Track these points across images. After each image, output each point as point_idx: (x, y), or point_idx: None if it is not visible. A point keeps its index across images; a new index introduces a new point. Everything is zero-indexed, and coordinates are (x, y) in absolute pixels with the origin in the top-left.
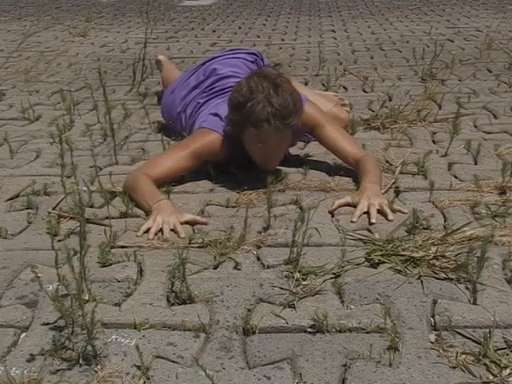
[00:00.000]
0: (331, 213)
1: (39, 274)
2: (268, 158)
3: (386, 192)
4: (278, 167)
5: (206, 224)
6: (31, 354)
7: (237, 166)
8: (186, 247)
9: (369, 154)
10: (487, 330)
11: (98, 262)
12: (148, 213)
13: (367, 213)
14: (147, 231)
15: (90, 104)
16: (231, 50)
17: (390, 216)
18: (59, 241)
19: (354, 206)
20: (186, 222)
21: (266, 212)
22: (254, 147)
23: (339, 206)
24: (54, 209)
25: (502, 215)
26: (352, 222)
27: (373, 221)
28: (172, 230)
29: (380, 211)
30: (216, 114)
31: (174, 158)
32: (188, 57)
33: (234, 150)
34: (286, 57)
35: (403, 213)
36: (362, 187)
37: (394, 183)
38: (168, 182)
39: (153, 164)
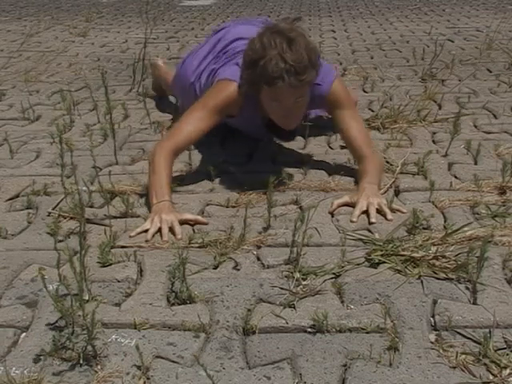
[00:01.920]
0: (331, 213)
1: (46, 276)
2: (287, 116)
3: (385, 192)
4: (278, 168)
5: (206, 224)
6: (31, 354)
7: (249, 129)
8: (186, 247)
9: (375, 155)
10: (487, 330)
11: (98, 262)
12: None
13: (366, 212)
14: (143, 232)
15: (89, 104)
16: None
17: (389, 215)
18: (60, 241)
19: (353, 205)
20: (186, 221)
21: (266, 212)
22: (271, 106)
23: (338, 206)
24: (53, 209)
25: (502, 215)
26: (352, 221)
27: (372, 220)
28: (170, 228)
29: (379, 211)
30: (236, 64)
31: (194, 122)
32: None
33: (252, 105)
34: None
35: (402, 212)
36: (360, 187)
37: (393, 182)
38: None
39: (176, 133)
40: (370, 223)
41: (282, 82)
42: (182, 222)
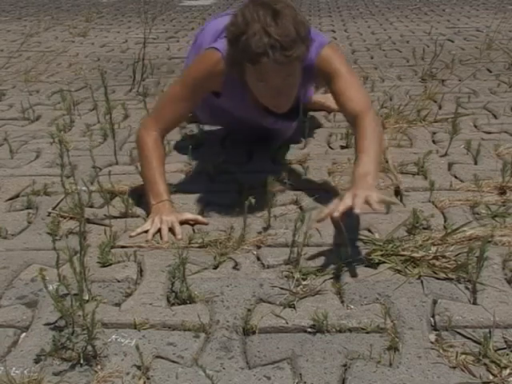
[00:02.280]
0: (319, 222)
1: (46, 278)
2: (275, 97)
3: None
4: (278, 168)
5: (206, 224)
6: (31, 354)
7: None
8: (186, 247)
9: (369, 113)
10: (487, 330)
11: (98, 262)
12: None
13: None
14: (144, 232)
15: (90, 104)
16: None
17: (375, 206)
18: (59, 239)
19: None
20: (186, 221)
21: (266, 212)
22: (257, 87)
23: (329, 214)
24: (53, 209)
25: (502, 215)
26: (333, 217)
27: (356, 211)
28: (170, 229)
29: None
30: (222, 33)
31: (178, 102)
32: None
33: (233, 79)
34: None
35: (395, 204)
36: (352, 183)
37: (395, 188)
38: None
39: (161, 113)
40: (355, 214)
41: (267, 58)
42: (182, 222)
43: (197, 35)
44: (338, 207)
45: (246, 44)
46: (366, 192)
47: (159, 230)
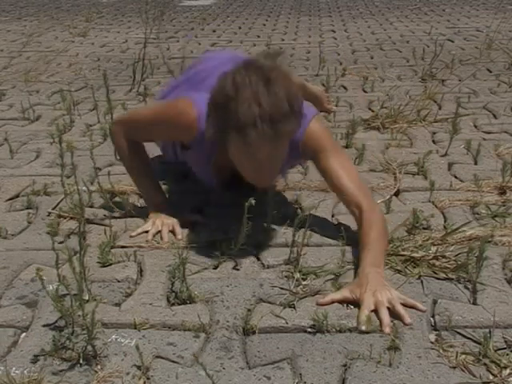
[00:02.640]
0: (322, 305)
1: (44, 277)
2: (258, 172)
3: (389, 198)
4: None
5: (205, 223)
6: (31, 354)
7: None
8: (186, 247)
9: (376, 209)
10: (487, 330)
11: (98, 262)
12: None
13: (375, 311)
14: (144, 232)
15: (90, 104)
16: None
17: (407, 319)
18: (60, 242)
19: (353, 302)
20: (186, 222)
21: (266, 212)
22: (241, 158)
23: (333, 302)
24: (53, 209)
25: (502, 215)
26: (361, 330)
27: (386, 330)
28: (170, 231)
29: (391, 311)
30: (206, 92)
31: (143, 123)
32: (188, 57)
33: (200, 143)
34: (286, 57)
35: (419, 309)
36: (361, 273)
37: (396, 190)
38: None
39: (131, 124)
40: (383, 332)
41: (254, 130)
42: (182, 224)
43: (195, 66)
44: (361, 317)
45: (234, 111)
46: (386, 294)
47: (159, 232)
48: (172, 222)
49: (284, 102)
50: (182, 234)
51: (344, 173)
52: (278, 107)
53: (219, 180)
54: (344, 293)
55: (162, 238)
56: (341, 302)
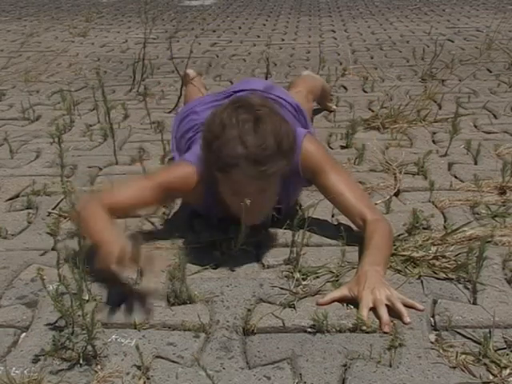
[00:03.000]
0: (322, 305)
1: (44, 277)
2: (247, 211)
3: (389, 198)
4: None
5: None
6: (31, 354)
7: (218, 218)
8: (186, 247)
9: (381, 219)
10: (487, 330)
11: None
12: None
13: (373, 309)
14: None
15: (90, 104)
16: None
17: (406, 317)
18: (59, 241)
19: (352, 300)
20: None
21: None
22: (228, 197)
23: (332, 301)
24: (53, 209)
25: (502, 215)
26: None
27: (386, 329)
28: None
29: (390, 308)
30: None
31: (137, 188)
32: (188, 57)
33: (212, 195)
34: (286, 57)
35: (417, 309)
36: (360, 272)
37: (396, 190)
38: (130, 216)
39: (114, 193)
40: (384, 332)
41: (237, 170)
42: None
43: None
44: (361, 313)
45: (218, 151)
46: (384, 291)
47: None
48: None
49: (271, 142)
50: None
51: (345, 188)
52: (264, 149)
53: (220, 211)
54: (343, 291)
55: (130, 259)
56: (339, 300)
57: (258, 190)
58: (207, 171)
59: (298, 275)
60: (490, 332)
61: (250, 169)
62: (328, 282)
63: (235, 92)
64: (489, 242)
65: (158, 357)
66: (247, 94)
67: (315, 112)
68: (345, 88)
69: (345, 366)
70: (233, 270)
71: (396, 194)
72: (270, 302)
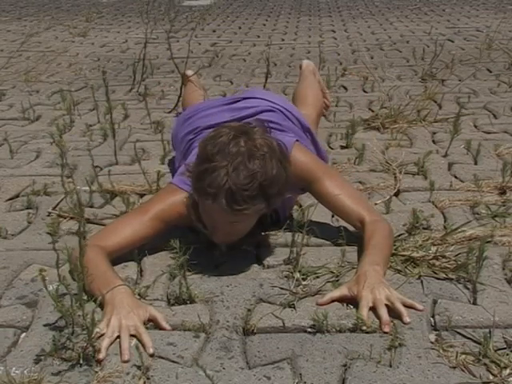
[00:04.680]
0: (321, 305)
1: (46, 277)
2: (218, 234)
3: (389, 198)
4: None
5: (168, 329)
6: (31, 354)
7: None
8: (186, 247)
9: (380, 219)
10: (487, 330)
11: None
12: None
13: (373, 309)
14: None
15: (90, 104)
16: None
17: (406, 317)
18: (56, 241)
19: (352, 299)
20: (150, 320)
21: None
22: (203, 214)
23: (332, 301)
24: (54, 209)
25: (502, 215)
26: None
27: (386, 329)
28: (133, 335)
29: (390, 308)
30: (186, 166)
31: (133, 225)
32: (188, 57)
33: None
34: (286, 57)
35: (416, 309)
36: (360, 271)
37: (396, 190)
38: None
39: (108, 232)
40: (384, 332)
41: (211, 201)
42: (147, 322)
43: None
44: (361, 312)
45: (203, 174)
46: (384, 291)
47: (118, 338)
48: (133, 323)
49: (254, 185)
50: (152, 345)
51: (340, 192)
52: (245, 190)
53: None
54: (342, 290)
55: (121, 356)
56: (339, 299)
57: (228, 222)
58: (191, 187)
59: (297, 275)
60: (489, 332)
61: (223, 203)
62: (328, 282)
63: (245, 98)
64: (489, 242)
65: (158, 357)
66: (257, 123)
67: None
68: (345, 88)
69: (345, 366)
70: (233, 270)
71: (396, 194)
72: (270, 302)
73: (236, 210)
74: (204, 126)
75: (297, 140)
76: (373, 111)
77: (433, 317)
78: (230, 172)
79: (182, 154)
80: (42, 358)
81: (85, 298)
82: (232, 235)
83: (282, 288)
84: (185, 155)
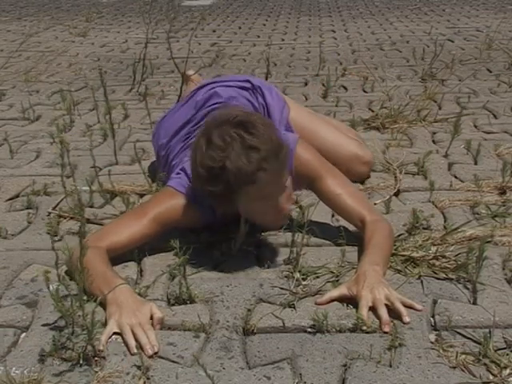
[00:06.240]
0: (320, 304)
1: (48, 275)
2: (279, 211)
3: (389, 198)
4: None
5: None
6: (31, 354)
7: (220, 227)
8: (186, 247)
9: (380, 219)
10: (487, 330)
11: None
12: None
13: (373, 309)
14: (116, 334)
15: (90, 104)
16: (222, 79)
17: (406, 317)
18: (59, 240)
19: (351, 299)
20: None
21: None
22: (255, 208)
23: (331, 300)
24: (54, 209)
25: (502, 215)
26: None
27: (385, 329)
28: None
29: (390, 308)
30: (183, 170)
31: (131, 227)
32: (188, 57)
33: (210, 215)
34: (286, 57)
35: (415, 309)
36: (359, 271)
37: (396, 190)
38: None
39: (106, 232)
40: (384, 332)
41: (264, 173)
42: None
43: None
44: (361, 312)
45: (234, 170)
46: (383, 290)
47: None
48: (141, 320)
49: (270, 135)
50: (158, 343)
51: (342, 191)
52: (270, 141)
53: (220, 224)
54: (341, 290)
55: (128, 349)
56: (338, 299)
57: (282, 184)
58: (219, 202)
59: (298, 275)
60: (489, 332)
61: (273, 165)
62: (328, 282)
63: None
64: (489, 242)
65: (158, 357)
66: (219, 111)
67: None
68: (345, 88)
69: (345, 366)
70: (233, 270)
71: (396, 194)
72: (270, 302)
73: (281, 160)
74: (168, 138)
75: (299, 137)
76: (373, 111)
77: (433, 317)
78: (250, 143)
79: (162, 163)
80: (42, 357)
81: (85, 298)
82: (285, 208)
83: (282, 288)
84: (166, 167)
